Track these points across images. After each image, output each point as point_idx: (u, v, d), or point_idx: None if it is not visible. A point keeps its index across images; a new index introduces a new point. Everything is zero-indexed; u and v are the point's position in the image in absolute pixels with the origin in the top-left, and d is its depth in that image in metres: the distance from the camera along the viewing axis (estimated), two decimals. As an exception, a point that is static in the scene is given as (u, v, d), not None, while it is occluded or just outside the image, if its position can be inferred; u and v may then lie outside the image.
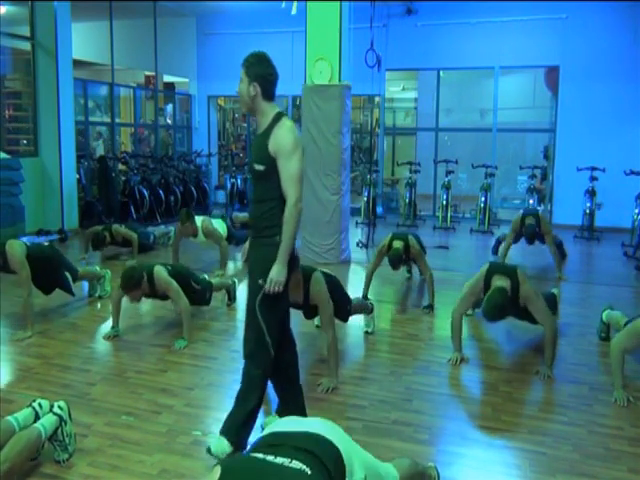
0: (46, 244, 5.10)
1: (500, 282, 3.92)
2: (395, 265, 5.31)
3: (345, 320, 4.26)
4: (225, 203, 11.40)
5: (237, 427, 2.82)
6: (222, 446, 2.76)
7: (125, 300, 4.60)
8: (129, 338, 4.56)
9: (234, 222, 8.10)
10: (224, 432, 2.82)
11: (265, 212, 2.80)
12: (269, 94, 2.82)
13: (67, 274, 5.06)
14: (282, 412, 3.18)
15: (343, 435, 1.87)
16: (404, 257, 5.41)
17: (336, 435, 1.79)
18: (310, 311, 3.98)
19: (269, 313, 2.81)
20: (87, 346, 4.45)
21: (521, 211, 6.90)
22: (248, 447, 1.93)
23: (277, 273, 2.74)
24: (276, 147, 2.72)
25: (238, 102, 2.91)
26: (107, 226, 7.19)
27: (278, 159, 2.72)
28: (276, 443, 1.70)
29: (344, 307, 4.14)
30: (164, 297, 4.62)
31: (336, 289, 4.01)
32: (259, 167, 2.78)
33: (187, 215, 6.26)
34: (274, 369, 2.94)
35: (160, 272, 4.44)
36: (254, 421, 2.87)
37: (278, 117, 2.79)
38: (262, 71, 2.79)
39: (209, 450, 2.76)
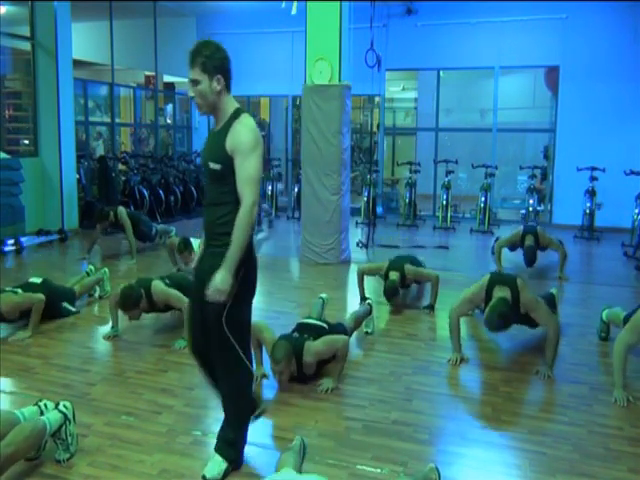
0: (38, 282, 4.87)
1: (501, 293, 3.97)
2: (390, 298, 5.30)
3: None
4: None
5: (230, 443, 2.76)
6: (217, 467, 2.70)
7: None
8: (129, 338, 4.56)
9: None
10: (219, 450, 2.75)
11: (221, 217, 2.58)
12: (230, 84, 2.59)
13: (64, 304, 5.01)
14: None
15: None
16: (400, 287, 5.38)
17: None
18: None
19: (237, 326, 2.63)
20: (87, 346, 4.46)
21: (521, 227, 6.84)
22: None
23: (221, 281, 2.49)
24: (234, 145, 2.51)
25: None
26: (113, 207, 7.34)
27: (235, 157, 2.51)
28: None
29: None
30: (165, 310, 4.64)
31: (333, 333, 3.94)
32: (215, 166, 2.55)
33: (185, 245, 6.09)
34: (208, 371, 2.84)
35: (157, 286, 4.42)
36: (246, 431, 2.83)
37: (237, 113, 2.58)
38: (221, 59, 2.55)
39: (204, 477, 2.67)
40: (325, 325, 4.06)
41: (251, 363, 2.79)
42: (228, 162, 2.53)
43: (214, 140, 2.61)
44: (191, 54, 2.54)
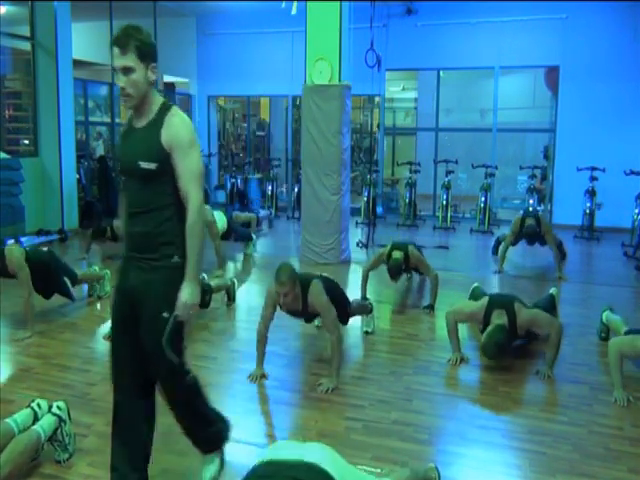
0: (45, 250, 5.05)
1: (499, 319, 3.98)
2: (394, 275, 5.30)
3: (345, 323, 4.26)
4: (225, 203, 11.40)
5: (208, 437, 2.67)
6: (212, 464, 2.68)
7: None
8: (129, 338, 4.56)
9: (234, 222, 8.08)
10: (206, 451, 2.71)
11: (159, 224, 2.29)
12: None
13: (66, 279, 5.04)
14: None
15: (340, 461, 1.88)
16: (403, 267, 5.39)
17: (332, 463, 1.80)
18: (310, 317, 3.98)
19: (179, 342, 2.37)
20: (87, 346, 4.46)
21: (521, 212, 6.91)
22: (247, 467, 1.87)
23: (191, 295, 2.27)
24: (171, 139, 2.25)
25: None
26: (109, 223, 7.27)
27: (174, 153, 2.25)
28: (270, 474, 1.72)
29: (343, 310, 4.13)
30: None
31: (335, 293, 4.00)
32: (148, 165, 2.25)
33: None
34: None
35: None
36: (212, 414, 2.69)
37: (167, 106, 2.33)
38: (154, 46, 2.29)
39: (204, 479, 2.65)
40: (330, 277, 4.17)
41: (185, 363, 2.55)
42: (164, 159, 2.26)
43: (143, 136, 2.31)
44: (121, 38, 2.21)
